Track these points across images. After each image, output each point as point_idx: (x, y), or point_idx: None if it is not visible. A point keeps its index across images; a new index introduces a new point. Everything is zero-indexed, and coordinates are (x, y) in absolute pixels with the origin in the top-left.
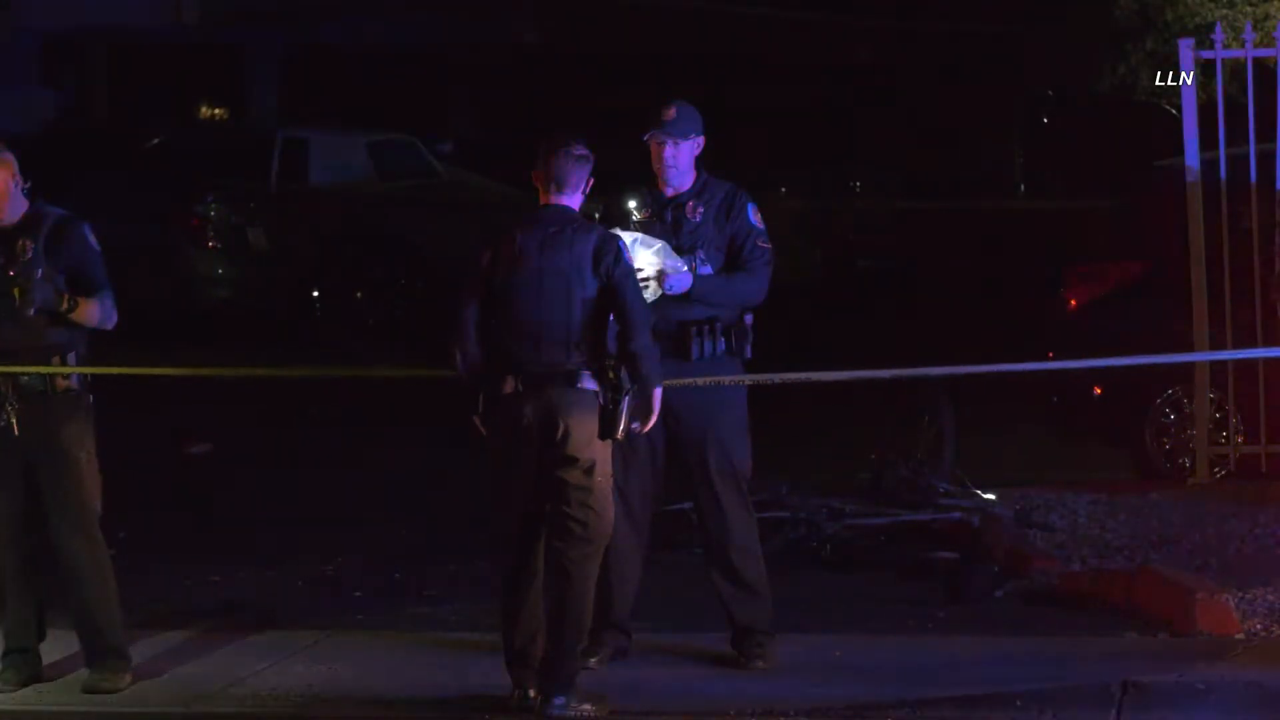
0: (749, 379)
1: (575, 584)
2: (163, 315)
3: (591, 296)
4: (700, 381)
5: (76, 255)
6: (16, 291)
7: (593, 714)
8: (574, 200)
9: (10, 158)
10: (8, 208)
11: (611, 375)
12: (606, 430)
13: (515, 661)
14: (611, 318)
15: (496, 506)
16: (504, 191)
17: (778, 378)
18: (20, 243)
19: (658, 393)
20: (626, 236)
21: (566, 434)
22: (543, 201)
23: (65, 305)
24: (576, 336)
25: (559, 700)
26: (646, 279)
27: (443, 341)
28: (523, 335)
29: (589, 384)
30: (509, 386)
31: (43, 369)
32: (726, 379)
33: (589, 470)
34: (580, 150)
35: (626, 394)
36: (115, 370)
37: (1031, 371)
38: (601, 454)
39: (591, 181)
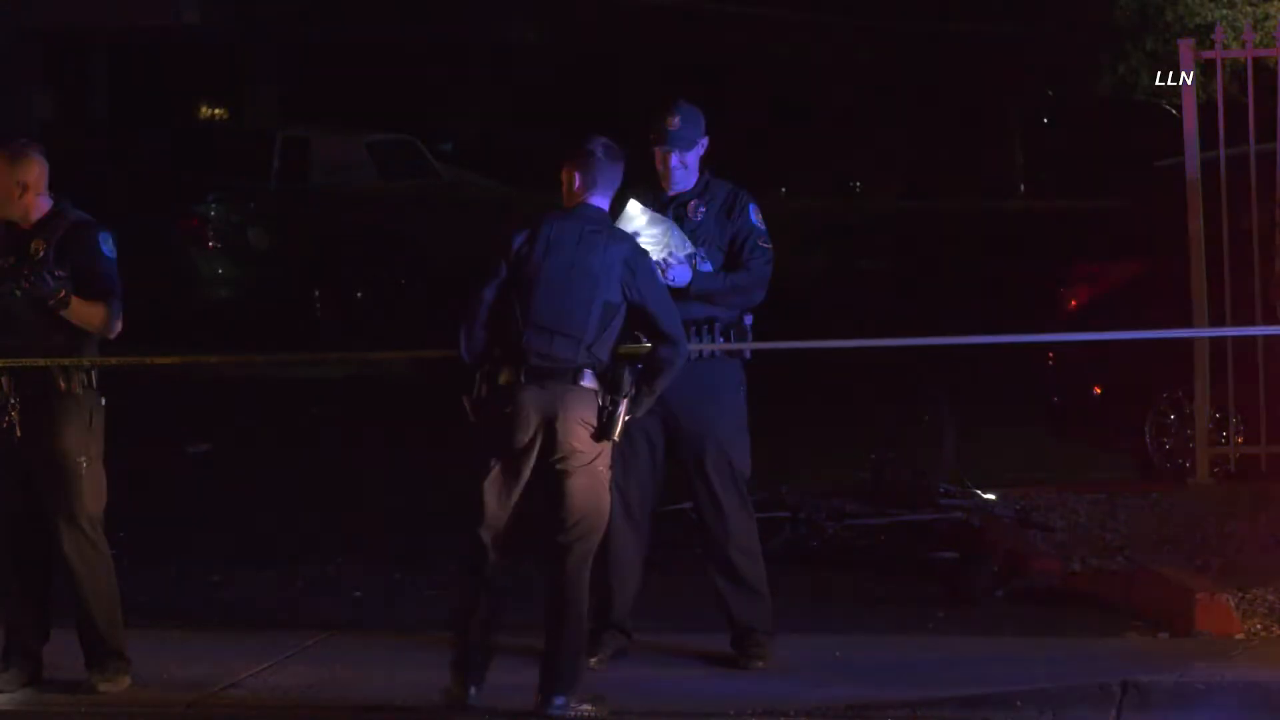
0: (749, 346)
1: (573, 581)
2: (163, 315)
3: (612, 302)
4: (705, 349)
5: (85, 258)
6: (18, 293)
7: (593, 714)
8: (605, 201)
9: (22, 159)
10: (14, 208)
11: (614, 377)
12: (604, 432)
13: (464, 662)
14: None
15: (477, 494)
16: (504, 191)
17: (775, 345)
18: (34, 243)
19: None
20: (635, 213)
21: (566, 429)
22: (575, 200)
23: (55, 300)
24: (590, 337)
25: (559, 700)
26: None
27: (452, 320)
28: (540, 326)
29: (590, 383)
30: (510, 376)
31: (42, 360)
32: (724, 352)
33: (587, 465)
34: (616, 150)
35: (625, 397)
36: (113, 361)
37: (1032, 372)
38: (598, 449)
39: (620, 181)
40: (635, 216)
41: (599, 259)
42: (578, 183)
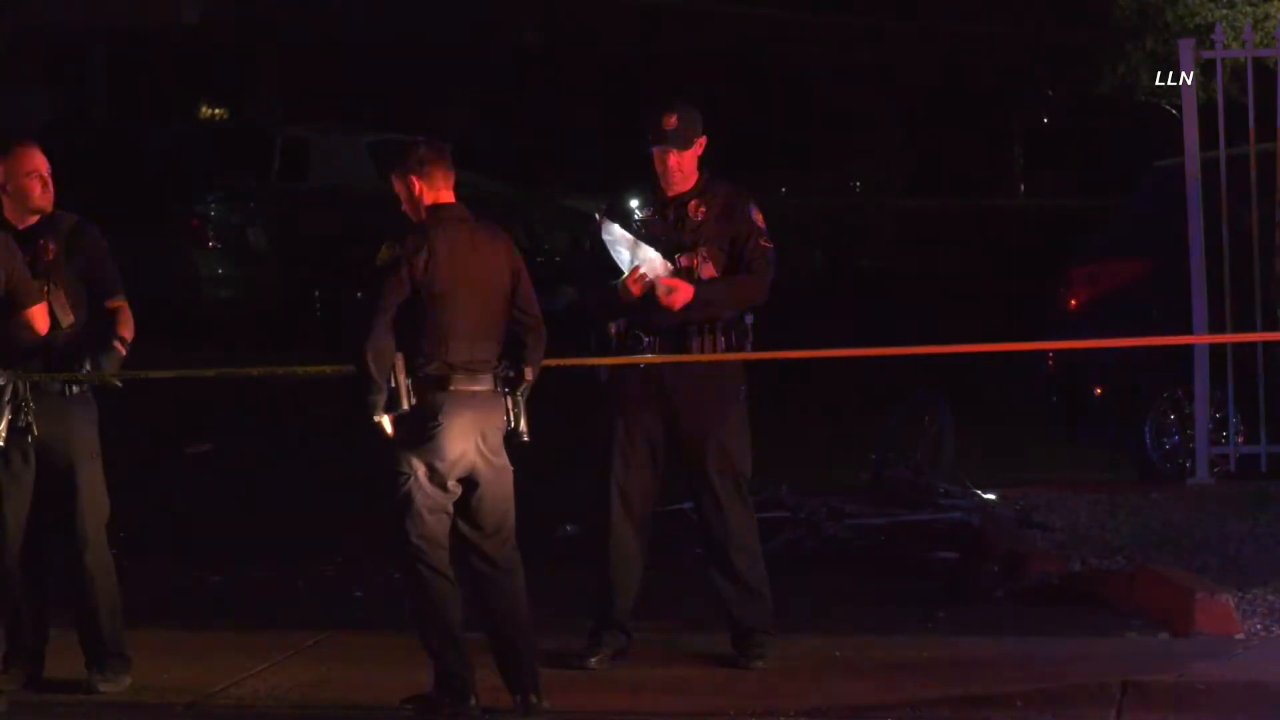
0: (752, 355)
1: (517, 582)
2: (163, 315)
3: (509, 290)
4: (702, 358)
5: (96, 259)
6: (46, 289)
7: (548, 709)
8: (452, 195)
9: (29, 157)
10: (45, 201)
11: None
12: (515, 435)
13: (465, 676)
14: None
15: (411, 511)
16: (502, 191)
17: (775, 355)
18: (41, 242)
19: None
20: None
21: (493, 437)
22: (432, 200)
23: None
24: (503, 331)
25: (534, 698)
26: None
27: (352, 340)
28: (459, 333)
29: (500, 386)
30: (439, 388)
31: (37, 376)
32: (727, 363)
33: (503, 467)
34: (440, 144)
35: (523, 394)
36: (124, 375)
37: (1032, 372)
38: (503, 449)
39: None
40: (621, 239)
41: (489, 252)
42: (418, 188)
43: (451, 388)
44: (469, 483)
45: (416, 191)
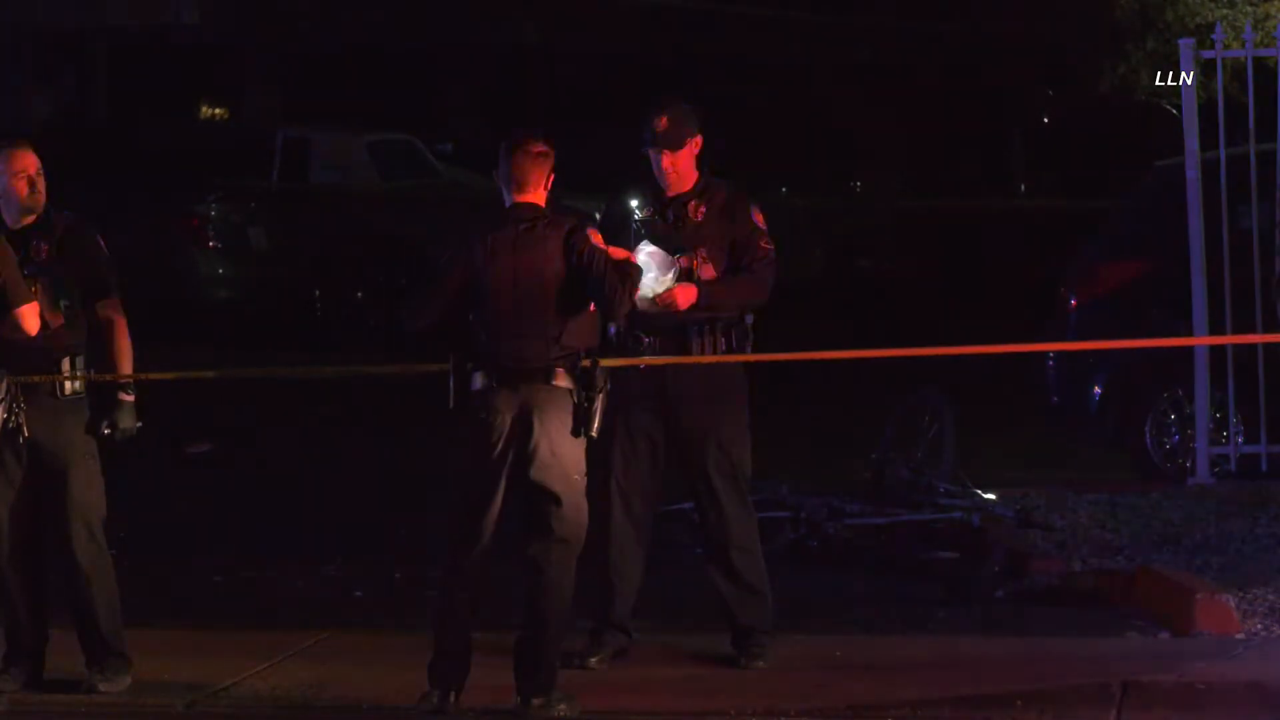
0: (751, 356)
1: (556, 585)
2: (163, 315)
3: (565, 289)
4: (704, 360)
5: (90, 259)
6: (35, 290)
7: (566, 714)
8: (538, 197)
9: (33, 151)
10: (36, 200)
11: (585, 368)
12: (581, 427)
13: (444, 664)
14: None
15: (456, 504)
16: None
17: (775, 357)
18: (34, 243)
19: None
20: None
21: (543, 432)
22: (509, 201)
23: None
24: (554, 332)
25: (537, 701)
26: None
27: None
28: (501, 333)
29: (564, 381)
30: (482, 383)
31: (36, 378)
32: (729, 362)
33: (565, 469)
34: (540, 148)
35: (601, 392)
36: (120, 377)
37: (1032, 372)
38: (576, 452)
39: (553, 177)
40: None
41: (539, 253)
42: (505, 185)
43: (495, 386)
44: (515, 481)
45: (504, 188)
